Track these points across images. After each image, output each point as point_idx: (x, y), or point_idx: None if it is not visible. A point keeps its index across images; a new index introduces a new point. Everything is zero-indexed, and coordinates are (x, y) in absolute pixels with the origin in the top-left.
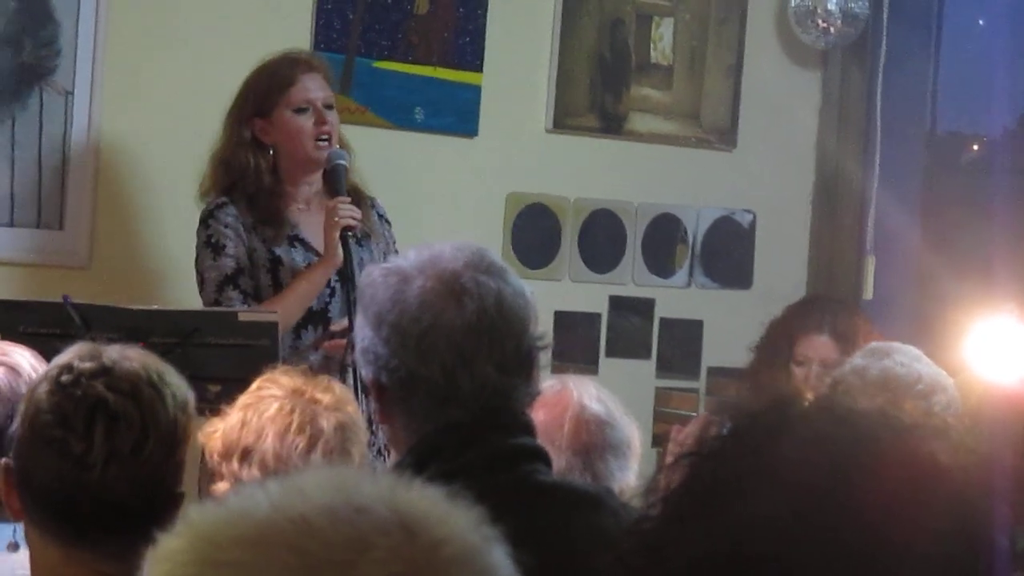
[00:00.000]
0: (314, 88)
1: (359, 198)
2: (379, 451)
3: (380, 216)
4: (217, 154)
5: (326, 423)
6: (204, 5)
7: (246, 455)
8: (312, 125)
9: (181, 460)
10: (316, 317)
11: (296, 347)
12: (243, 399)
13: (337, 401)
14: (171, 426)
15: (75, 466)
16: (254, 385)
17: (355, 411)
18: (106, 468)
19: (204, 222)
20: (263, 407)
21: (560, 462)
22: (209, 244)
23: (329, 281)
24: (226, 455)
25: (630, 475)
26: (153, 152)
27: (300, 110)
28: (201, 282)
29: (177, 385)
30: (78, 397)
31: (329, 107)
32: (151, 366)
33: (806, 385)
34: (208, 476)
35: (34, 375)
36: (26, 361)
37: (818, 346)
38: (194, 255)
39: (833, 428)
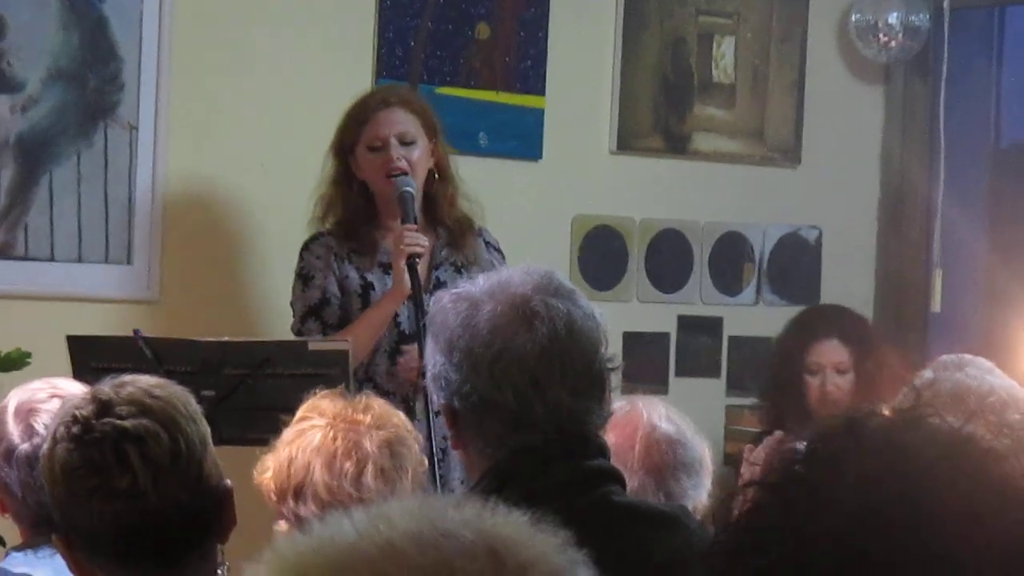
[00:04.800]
0: (387, 124)
1: (465, 227)
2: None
3: (487, 244)
4: (318, 188)
5: (370, 444)
6: (266, 37)
7: (299, 492)
8: (382, 162)
9: (212, 450)
10: (411, 340)
11: (392, 372)
12: (287, 434)
13: (378, 419)
14: (192, 423)
15: (128, 500)
16: (298, 414)
17: (400, 422)
18: (157, 487)
19: (300, 253)
20: (306, 440)
21: (633, 482)
22: (300, 275)
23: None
24: (281, 495)
25: (703, 493)
26: (219, 184)
27: (374, 148)
28: (292, 311)
29: (171, 385)
30: (98, 439)
31: (408, 142)
32: (142, 381)
33: (822, 392)
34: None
35: None
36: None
37: (829, 351)
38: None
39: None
